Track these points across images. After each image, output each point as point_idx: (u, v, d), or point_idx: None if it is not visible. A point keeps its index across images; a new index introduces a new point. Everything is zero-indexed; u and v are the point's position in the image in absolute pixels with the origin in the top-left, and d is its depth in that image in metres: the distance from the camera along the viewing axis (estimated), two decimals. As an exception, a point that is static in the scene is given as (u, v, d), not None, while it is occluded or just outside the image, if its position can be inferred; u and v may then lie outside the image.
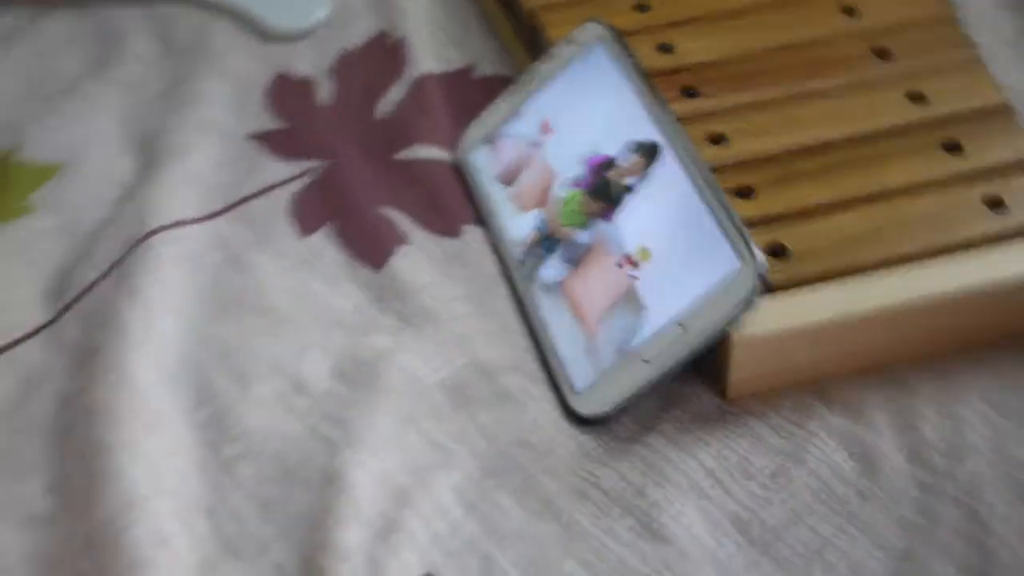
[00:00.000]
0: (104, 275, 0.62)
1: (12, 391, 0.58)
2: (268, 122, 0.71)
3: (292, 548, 0.51)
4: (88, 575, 0.51)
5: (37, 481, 0.54)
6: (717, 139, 0.62)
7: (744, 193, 0.59)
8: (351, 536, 0.51)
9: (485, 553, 0.51)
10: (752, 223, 0.56)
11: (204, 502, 0.53)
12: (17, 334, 0.60)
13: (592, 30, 0.65)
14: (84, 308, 0.61)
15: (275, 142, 0.70)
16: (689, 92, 0.65)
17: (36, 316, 0.61)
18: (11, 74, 0.74)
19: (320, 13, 0.78)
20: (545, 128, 0.65)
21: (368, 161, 0.68)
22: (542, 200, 0.63)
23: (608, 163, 0.61)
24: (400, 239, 0.64)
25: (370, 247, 0.63)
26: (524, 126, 0.66)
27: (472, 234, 0.64)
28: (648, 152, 0.59)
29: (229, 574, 0.51)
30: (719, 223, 0.55)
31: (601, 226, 0.59)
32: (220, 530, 0.52)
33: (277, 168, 0.68)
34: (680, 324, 0.54)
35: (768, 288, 0.53)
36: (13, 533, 0.52)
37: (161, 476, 0.54)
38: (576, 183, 0.62)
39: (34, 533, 0.52)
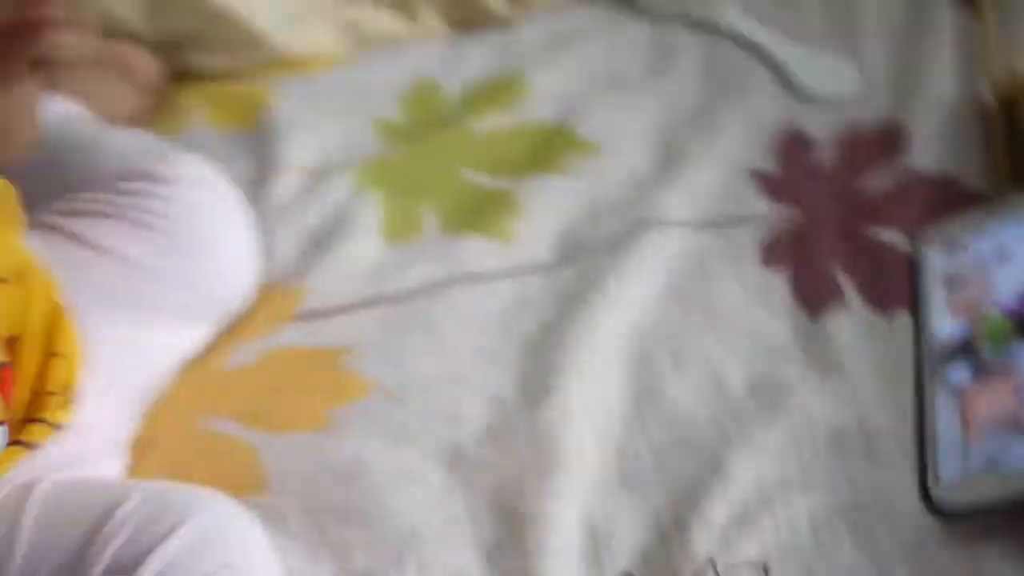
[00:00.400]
0: (604, 244, 0.78)
1: (510, 305, 0.75)
2: (767, 164, 0.84)
3: (669, 502, 0.65)
4: (513, 456, 0.67)
5: (506, 376, 0.72)
6: None
7: None
8: (716, 512, 0.64)
9: (812, 570, 0.62)
10: None
11: (618, 437, 0.68)
12: (528, 263, 0.78)
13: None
14: (580, 263, 0.77)
15: (767, 183, 0.83)
16: None
17: (545, 256, 0.78)
18: (584, 62, 0.92)
19: (849, 87, 0.89)
20: (1000, 253, 0.73)
21: (837, 225, 0.79)
22: (973, 312, 0.71)
23: (1044, 304, 0.69)
24: (841, 300, 0.75)
25: (814, 297, 0.75)
26: (983, 244, 0.74)
27: (902, 318, 0.74)
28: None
29: (618, 500, 0.65)
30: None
31: (1017, 353, 0.67)
32: (622, 463, 0.67)
33: (761, 204, 0.81)
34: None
35: None
36: (479, 406, 0.70)
37: (593, 406, 0.69)
38: (1009, 309, 0.70)
39: (492, 409, 0.70)
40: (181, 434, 0.69)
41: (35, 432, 0.59)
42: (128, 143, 0.79)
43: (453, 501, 0.65)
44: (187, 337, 0.73)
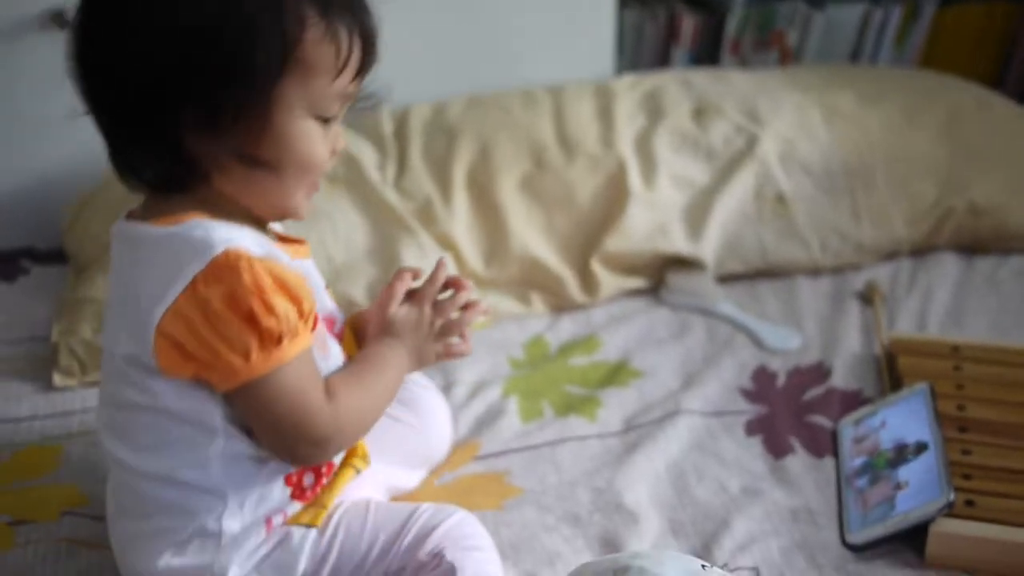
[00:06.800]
0: (652, 421, 1.33)
1: (598, 451, 1.29)
2: (748, 385, 1.40)
3: (699, 542, 1.16)
4: (609, 518, 1.19)
5: (601, 477, 1.24)
6: (966, 452, 1.22)
7: (967, 476, 1.18)
8: (725, 546, 1.15)
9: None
10: (962, 489, 1.15)
11: (669, 513, 1.20)
12: (608, 431, 1.32)
13: (921, 385, 1.28)
14: (638, 431, 1.32)
15: (747, 394, 1.38)
16: (962, 428, 1.25)
17: (617, 427, 1.33)
18: (633, 330, 1.50)
19: (795, 343, 1.47)
20: (882, 424, 1.28)
21: (790, 416, 1.34)
22: (871, 453, 1.25)
23: (903, 446, 1.23)
24: (793, 452, 1.28)
25: (777, 450, 1.29)
26: (875, 420, 1.29)
27: (828, 459, 1.27)
28: (922, 447, 1.21)
29: (667, 541, 1.16)
30: (943, 482, 1.15)
31: (891, 471, 1.21)
32: (672, 524, 1.18)
33: (744, 405, 1.36)
34: (905, 514, 1.14)
35: (950, 512, 1.12)
36: (587, 495, 1.22)
37: (652, 497, 1.21)
38: (888, 448, 1.24)
39: (594, 496, 1.22)
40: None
41: (358, 463, 1.10)
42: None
43: (575, 538, 1.16)
44: (413, 478, 1.25)
